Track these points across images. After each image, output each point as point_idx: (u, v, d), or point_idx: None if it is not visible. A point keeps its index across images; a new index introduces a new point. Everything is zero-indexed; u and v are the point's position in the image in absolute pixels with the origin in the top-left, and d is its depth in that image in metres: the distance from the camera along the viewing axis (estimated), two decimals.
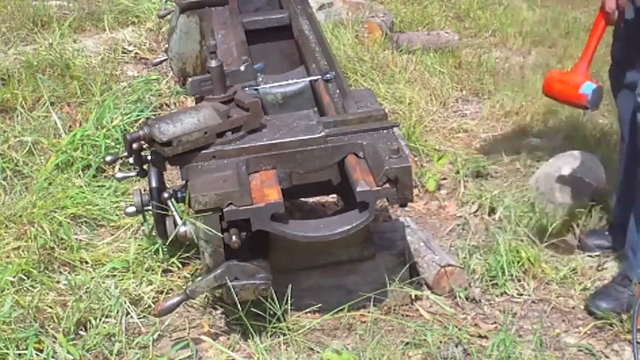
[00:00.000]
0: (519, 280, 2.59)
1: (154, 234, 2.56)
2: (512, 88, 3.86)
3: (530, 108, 3.67)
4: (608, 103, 3.76)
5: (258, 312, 2.29)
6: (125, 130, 3.29)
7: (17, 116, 3.47)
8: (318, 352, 2.28)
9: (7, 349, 2.21)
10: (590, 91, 2.25)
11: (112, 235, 2.79)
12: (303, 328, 2.32)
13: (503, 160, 3.28)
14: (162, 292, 2.50)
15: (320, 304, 2.37)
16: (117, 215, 2.88)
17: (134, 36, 4.35)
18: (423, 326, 2.35)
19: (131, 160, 2.34)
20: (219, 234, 2.13)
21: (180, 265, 2.59)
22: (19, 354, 2.21)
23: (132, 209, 2.41)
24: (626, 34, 2.42)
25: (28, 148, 3.22)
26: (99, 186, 3.05)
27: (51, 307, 2.38)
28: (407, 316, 2.43)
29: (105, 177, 3.13)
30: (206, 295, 2.44)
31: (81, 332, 2.32)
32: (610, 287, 2.47)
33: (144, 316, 2.41)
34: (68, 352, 2.23)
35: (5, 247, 2.65)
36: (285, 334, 2.29)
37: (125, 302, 2.40)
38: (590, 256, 2.69)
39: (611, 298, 2.42)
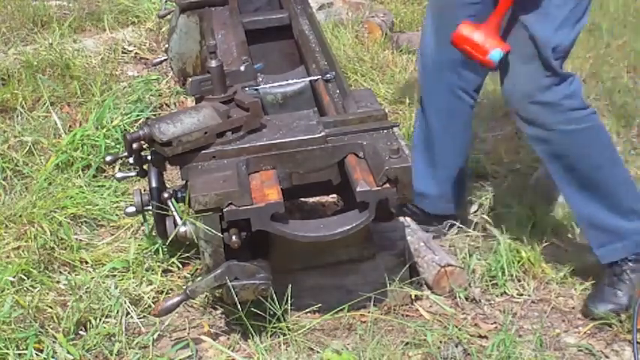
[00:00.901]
0: (519, 280, 2.59)
1: (154, 234, 2.56)
2: None
3: None
4: (608, 103, 3.78)
5: (258, 312, 2.28)
6: (125, 130, 3.29)
7: (17, 116, 3.46)
8: (318, 352, 2.28)
9: (7, 349, 2.20)
10: (498, 58, 2.26)
11: (112, 235, 2.79)
12: (303, 328, 2.32)
13: (503, 160, 3.27)
14: (162, 292, 2.50)
15: (320, 304, 2.37)
16: (117, 215, 2.88)
17: (134, 36, 4.35)
18: (423, 326, 2.35)
19: (131, 160, 2.34)
20: (219, 234, 2.13)
21: (181, 265, 2.59)
22: (19, 354, 2.21)
23: (132, 209, 2.41)
24: None
25: (28, 148, 3.22)
26: (99, 186, 3.05)
27: (51, 307, 2.38)
28: (407, 316, 2.43)
29: (105, 177, 3.13)
30: (206, 295, 2.44)
31: (81, 332, 2.32)
32: (603, 289, 2.46)
33: (144, 316, 2.41)
34: (68, 352, 2.23)
35: (5, 247, 2.65)
36: (285, 334, 2.29)
37: (125, 302, 2.39)
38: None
39: (607, 301, 2.42)
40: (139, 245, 2.65)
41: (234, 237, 2.13)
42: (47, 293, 2.46)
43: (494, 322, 2.43)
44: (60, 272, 2.59)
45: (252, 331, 2.28)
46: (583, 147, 2.35)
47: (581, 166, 2.37)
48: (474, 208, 2.97)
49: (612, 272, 2.44)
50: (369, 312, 2.37)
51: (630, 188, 2.44)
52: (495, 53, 2.26)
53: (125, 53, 4.20)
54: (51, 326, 2.31)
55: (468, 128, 2.75)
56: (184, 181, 2.25)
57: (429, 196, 2.74)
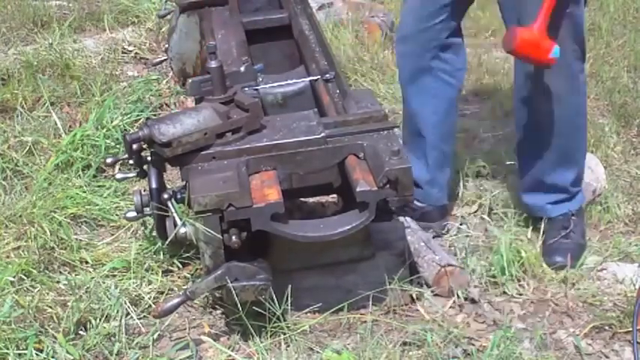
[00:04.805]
0: (519, 280, 2.58)
1: (154, 234, 2.56)
2: (513, 88, 3.84)
3: None
4: (608, 103, 3.78)
5: (259, 311, 2.28)
6: (125, 130, 3.30)
7: (17, 116, 3.47)
8: (318, 352, 2.28)
9: (7, 349, 2.20)
10: (558, 54, 2.36)
11: (112, 235, 2.79)
12: (303, 328, 2.32)
13: (503, 160, 3.27)
14: (162, 292, 2.50)
15: (319, 304, 2.37)
16: (117, 215, 2.88)
17: (134, 36, 4.35)
18: (424, 326, 2.35)
19: (131, 161, 2.34)
20: (219, 235, 2.13)
21: (181, 266, 2.59)
22: (19, 354, 2.21)
23: (132, 214, 2.40)
24: None
25: (28, 148, 3.22)
26: (99, 186, 3.05)
27: (51, 307, 2.38)
28: (407, 316, 2.43)
29: (105, 177, 3.13)
30: (206, 296, 2.44)
31: (81, 332, 2.32)
32: (554, 243, 2.65)
33: (144, 317, 2.41)
34: (68, 352, 2.23)
35: (5, 247, 2.65)
36: (285, 334, 2.29)
37: (125, 302, 2.40)
38: (589, 255, 2.70)
39: (563, 251, 2.60)
40: (139, 245, 2.65)
41: (234, 237, 2.13)
42: (47, 293, 2.46)
43: (494, 322, 2.43)
44: (60, 272, 2.60)
45: (252, 331, 2.28)
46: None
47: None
48: (474, 208, 2.97)
49: (561, 226, 2.65)
50: (368, 312, 2.37)
51: (584, 154, 2.73)
52: (556, 50, 2.34)
53: (125, 53, 4.21)
54: (51, 326, 2.32)
55: (453, 111, 2.81)
56: (184, 182, 2.25)
57: (420, 182, 2.75)
